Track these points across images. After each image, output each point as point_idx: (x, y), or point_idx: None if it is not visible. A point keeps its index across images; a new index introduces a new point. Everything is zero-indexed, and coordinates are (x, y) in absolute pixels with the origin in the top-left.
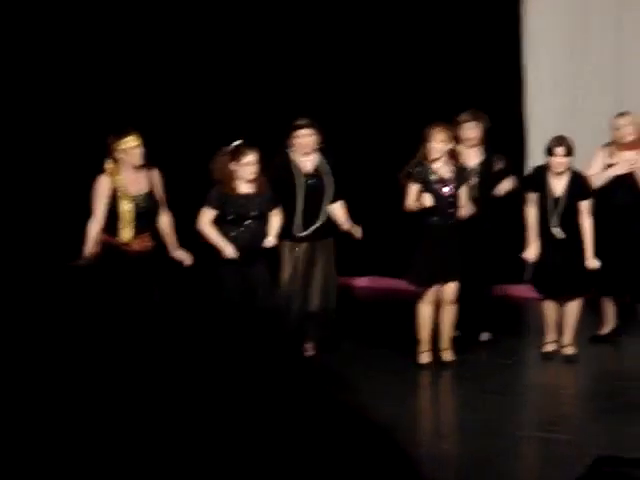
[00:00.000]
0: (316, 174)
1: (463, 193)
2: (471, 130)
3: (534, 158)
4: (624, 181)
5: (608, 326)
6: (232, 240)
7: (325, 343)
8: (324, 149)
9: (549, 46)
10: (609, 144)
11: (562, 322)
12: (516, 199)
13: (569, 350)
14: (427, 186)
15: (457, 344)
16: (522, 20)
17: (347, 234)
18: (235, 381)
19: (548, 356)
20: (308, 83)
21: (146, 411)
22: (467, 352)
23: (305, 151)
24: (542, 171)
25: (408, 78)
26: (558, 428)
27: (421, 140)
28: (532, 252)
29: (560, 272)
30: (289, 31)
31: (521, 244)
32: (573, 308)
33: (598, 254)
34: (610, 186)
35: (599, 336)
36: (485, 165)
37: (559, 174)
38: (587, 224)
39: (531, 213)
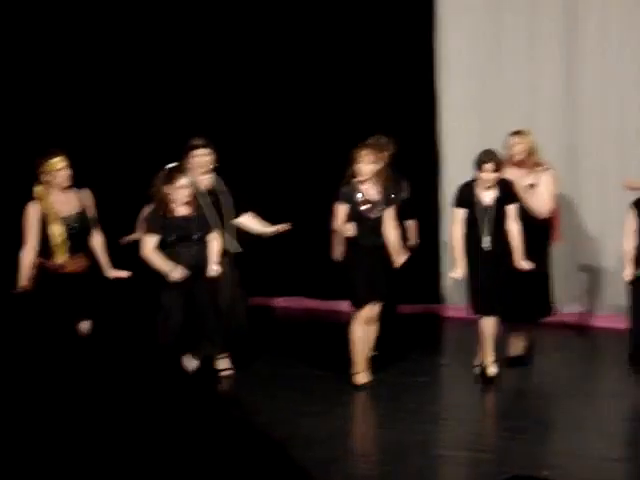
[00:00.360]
0: (213, 192)
1: (391, 214)
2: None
3: (448, 179)
4: None
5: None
6: (175, 262)
7: (235, 360)
8: (219, 168)
9: (462, 69)
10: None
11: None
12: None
13: (493, 369)
14: (354, 207)
15: (374, 363)
16: (435, 44)
17: (268, 250)
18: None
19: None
20: (228, 105)
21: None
22: (383, 371)
23: (201, 171)
24: (469, 187)
25: (324, 102)
26: (474, 447)
27: (349, 161)
28: (460, 271)
29: (495, 290)
30: (204, 50)
31: (434, 264)
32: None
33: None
34: None
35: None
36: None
37: (488, 188)
38: (515, 228)
39: (458, 230)
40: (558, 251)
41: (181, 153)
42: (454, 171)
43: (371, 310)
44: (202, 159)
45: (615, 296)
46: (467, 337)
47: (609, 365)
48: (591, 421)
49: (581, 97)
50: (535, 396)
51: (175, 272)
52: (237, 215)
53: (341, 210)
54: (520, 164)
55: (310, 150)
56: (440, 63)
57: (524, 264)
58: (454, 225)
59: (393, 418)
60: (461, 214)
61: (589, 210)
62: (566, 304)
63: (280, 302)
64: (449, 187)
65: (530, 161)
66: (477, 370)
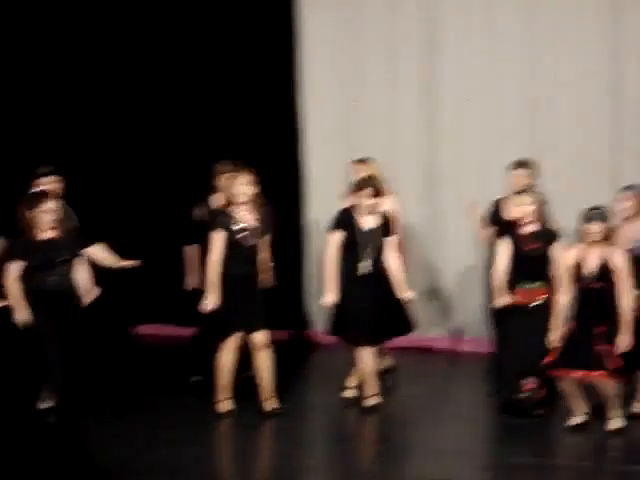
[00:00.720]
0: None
1: (268, 241)
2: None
3: (312, 203)
4: None
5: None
6: (42, 286)
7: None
8: (67, 196)
9: (325, 93)
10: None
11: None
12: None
13: (374, 401)
14: (230, 235)
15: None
16: (297, 69)
17: (127, 280)
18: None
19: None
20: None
21: None
22: (248, 398)
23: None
24: (349, 212)
25: (181, 128)
26: (341, 472)
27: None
28: (332, 296)
29: (373, 317)
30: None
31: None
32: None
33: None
34: None
35: None
36: None
37: (368, 213)
38: (395, 259)
39: (333, 255)
40: (419, 276)
41: (28, 182)
42: (318, 195)
43: (256, 338)
44: (48, 187)
45: (475, 321)
46: (333, 362)
47: (469, 389)
48: (455, 445)
49: (441, 122)
50: (401, 421)
51: (20, 315)
52: (86, 245)
53: (217, 239)
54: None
55: (167, 174)
56: (303, 88)
57: (407, 295)
58: (330, 249)
59: (260, 445)
60: (338, 238)
61: (448, 234)
62: (429, 329)
63: (142, 330)
64: (313, 211)
65: None
66: (347, 393)
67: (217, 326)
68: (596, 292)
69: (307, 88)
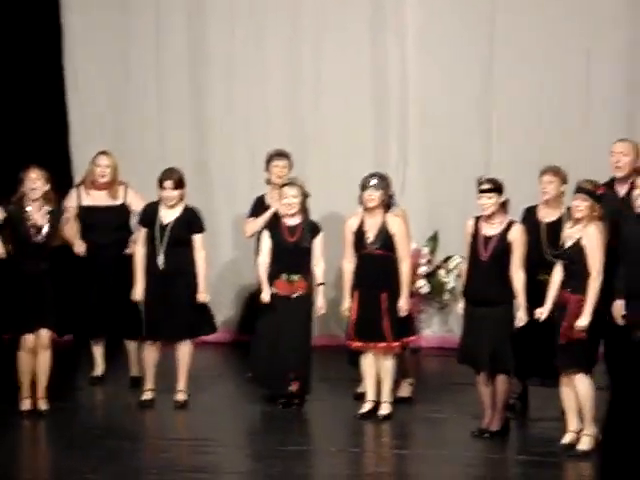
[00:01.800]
0: None
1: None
2: None
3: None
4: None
5: (99, 368)
6: None
7: None
8: None
9: (92, 95)
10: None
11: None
12: None
13: (181, 396)
14: (19, 230)
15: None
16: (66, 69)
17: None
18: None
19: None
20: None
21: None
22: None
23: None
24: (154, 206)
25: None
26: (110, 471)
27: (18, 182)
28: (139, 291)
29: (164, 313)
30: None
31: None
32: (184, 352)
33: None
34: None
35: (93, 378)
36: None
37: (172, 206)
38: (200, 257)
39: (139, 250)
40: None
41: None
42: None
43: (36, 337)
44: None
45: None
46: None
47: (235, 381)
48: (224, 436)
49: (209, 121)
50: (172, 414)
51: None
52: None
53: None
54: (104, 186)
55: None
56: (70, 87)
57: (200, 296)
58: (137, 245)
59: (34, 447)
60: (143, 233)
61: (220, 229)
62: None
63: None
64: None
65: (113, 181)
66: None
67: (9, 324)
68: (377, 258)
69: (73, 87)
